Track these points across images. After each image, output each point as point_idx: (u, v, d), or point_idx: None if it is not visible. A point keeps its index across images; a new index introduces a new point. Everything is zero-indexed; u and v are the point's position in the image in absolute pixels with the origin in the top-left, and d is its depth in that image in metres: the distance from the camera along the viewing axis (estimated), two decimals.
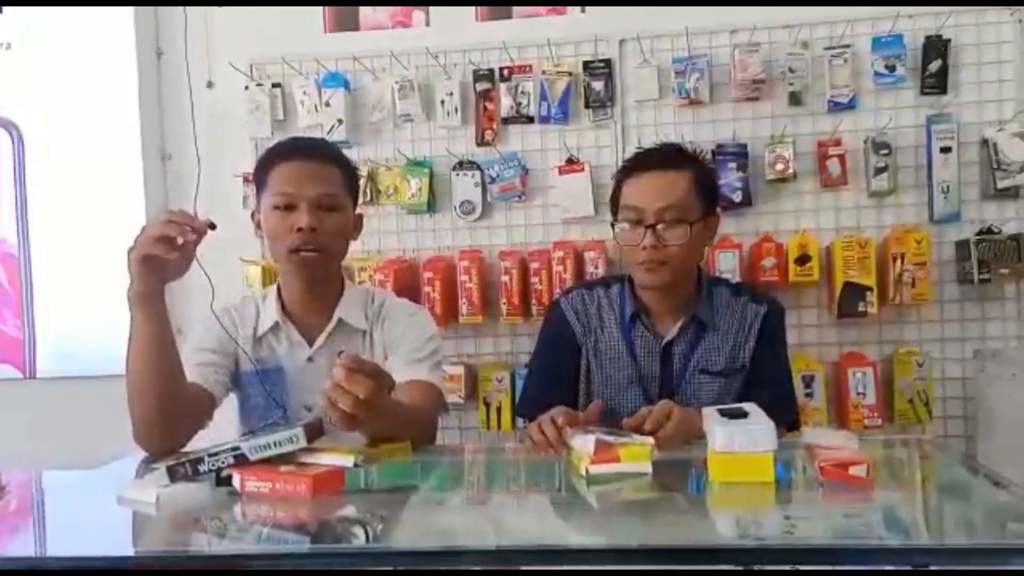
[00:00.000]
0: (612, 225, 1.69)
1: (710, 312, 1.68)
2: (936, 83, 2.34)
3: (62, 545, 1.07)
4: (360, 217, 1.67)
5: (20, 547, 1.11)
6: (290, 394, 1.58)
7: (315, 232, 1.50)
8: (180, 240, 1.29)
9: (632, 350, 1.68)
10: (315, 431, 1.19)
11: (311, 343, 1.59)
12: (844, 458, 1.08)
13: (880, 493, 1.09)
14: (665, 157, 1.65)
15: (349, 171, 1.62)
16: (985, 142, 2.32)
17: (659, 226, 1.57)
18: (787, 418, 1.63)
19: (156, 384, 1.39)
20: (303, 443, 1.16)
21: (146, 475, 1.18)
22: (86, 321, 2.62)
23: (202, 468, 1.14)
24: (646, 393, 1.67)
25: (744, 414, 1.14)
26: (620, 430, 1.31)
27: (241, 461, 1.14)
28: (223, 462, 1.14)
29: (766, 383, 1.63)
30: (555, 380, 1.72)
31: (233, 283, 2.41)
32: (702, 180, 1.64)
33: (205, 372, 1.53)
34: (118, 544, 1.01)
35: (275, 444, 1.15)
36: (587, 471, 1.11)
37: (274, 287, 1.65)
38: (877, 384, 2.30)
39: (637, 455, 1.13)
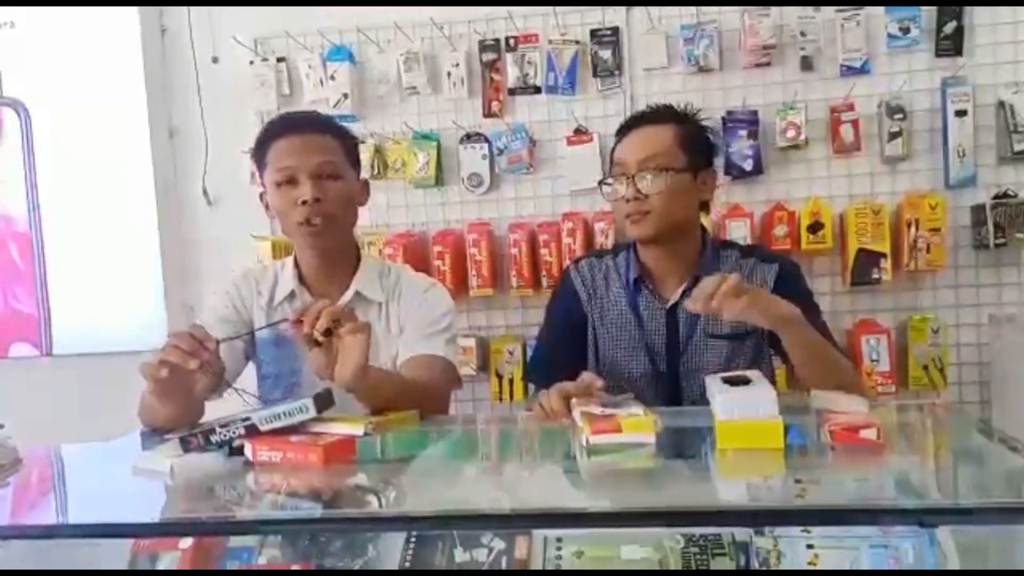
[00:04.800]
0: (599, 184, 1.70)
1: (715, 273, 1.64)
2: (951, 45, 2.30)
3: (79, 514, 1.08)
4: (366, 183, 1.67)
5: (40, 516, 1.12)
6: (304, 362, 1.58)
7: (320, 202, 1.50)
8: (193, 364, 1.23)
9: (637, 314, 1.68)
10: (325, 401, 1.20)
11: None
12: (854, 422, 1.08)
13: (891, 456, 1.08)
14: (651, 114, 1.67)
15: (346, 139, 1.61)
16: (1001, 104, 2.28)
17: (639, 176, 1.58)
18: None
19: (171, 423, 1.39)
20: (313, 413, 1.17)
21: (160, 445, 1.19)
22: (100, 298, 2.64)
23: (214, 439, 1.16)
24: (652, 357, 1.66)
25: (747, 381, 1.13)
26: (626, 400, 1.31)
27: (252, 432, 1.15)
28: (234, 433, 1.15)
29: None
30: (562, 347, 1.73)
31: (244, 259, 2.42)
32: (688, 134, 1.63)
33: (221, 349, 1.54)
34: (133, 512, 1.02)
35: (285, 415, 1.16)
36: (588, 441, 1.12)
37: (292, 257, 1.65)
38: (891, 351, 2.28)
39: (639, 426, 1.12)
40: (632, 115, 1.72)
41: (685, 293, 1.64)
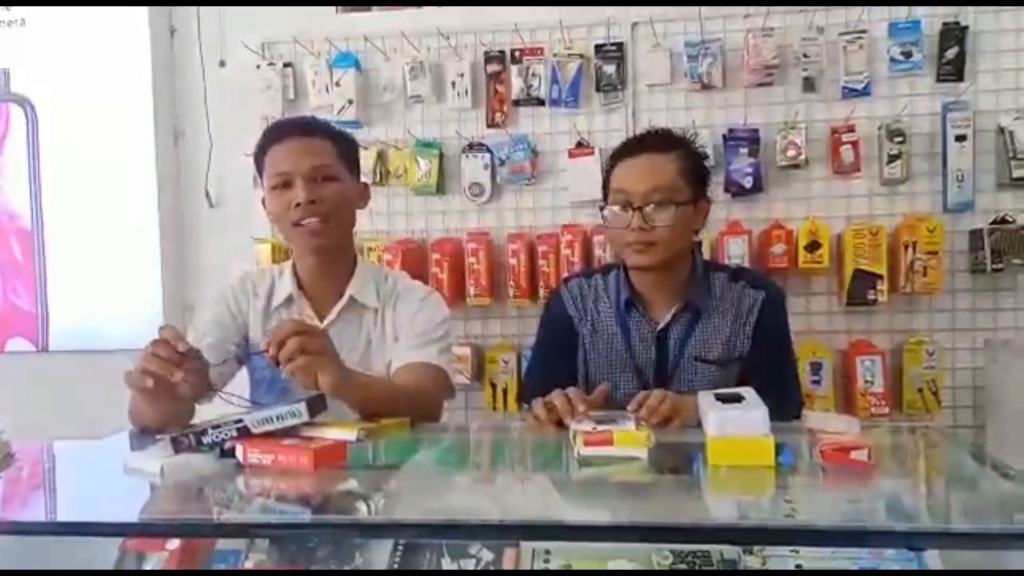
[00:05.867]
0: (601, 209, 1.69)
1: (705, 298, 1.67)
2: (953, 70, 2.31)
3: (67, 511, 1.09)
4: (366, 186, 1.69)
5: (27, 512, 1.12)
6: None
7: (313, 204, 1.52)
8: (178, 375, 1.23)
9: (627, 336, 1.68)
10: (318, 406, 1.20)
11: (322, 318, 1.61)
12: (845, 442, 1.08)
13: (882, 478, 1.09)
14: (653, 141, 1.66)
15: (343, 142, 1.62)
16: (1001, 130, 2.30)
17: (646, 208, 1.58)
18: (789, 412, 1.54)
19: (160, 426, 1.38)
20: (305, 417, 1.17)
21: (150, 446, 1.19)
22: (99, 296, 2.65)
23: (206, 440, 1.15)
24: (641, 379, 1.66)
25: (739, 398, 1.14)
26: (625, 412, 1.31)
27: (244, 434, 1.15)
28: (226, 434, 1.15)
29: (766, 376, 1.57)
30: (555, 367, 1.72)
31: (244, 262, 2.43)
32: (691, 164, 1.63)
33: (211, 355, 1.54)
34: (121, 512, 1.02)
35: (277, 418, 1.16)
36: (579, 453, 1.12)
37: (290, 262, 1.67)
38: (886, 373, 2.29)
39: (632, 440, 1.12)
40: (633, 139, 1.71)
41: (675, 316, 1.67)
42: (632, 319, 1.69)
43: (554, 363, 1.74)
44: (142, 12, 2.61)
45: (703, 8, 2.36)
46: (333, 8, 2.59)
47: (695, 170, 1.64)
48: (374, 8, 2.57)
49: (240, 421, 1.16)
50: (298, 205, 1.52)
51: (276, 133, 1.59)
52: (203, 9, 2.64)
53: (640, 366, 1.67)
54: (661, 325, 1.67)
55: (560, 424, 1.32)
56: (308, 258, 1.61)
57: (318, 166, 1.54)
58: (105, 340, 2.58)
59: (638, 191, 1.59)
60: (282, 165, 1.54)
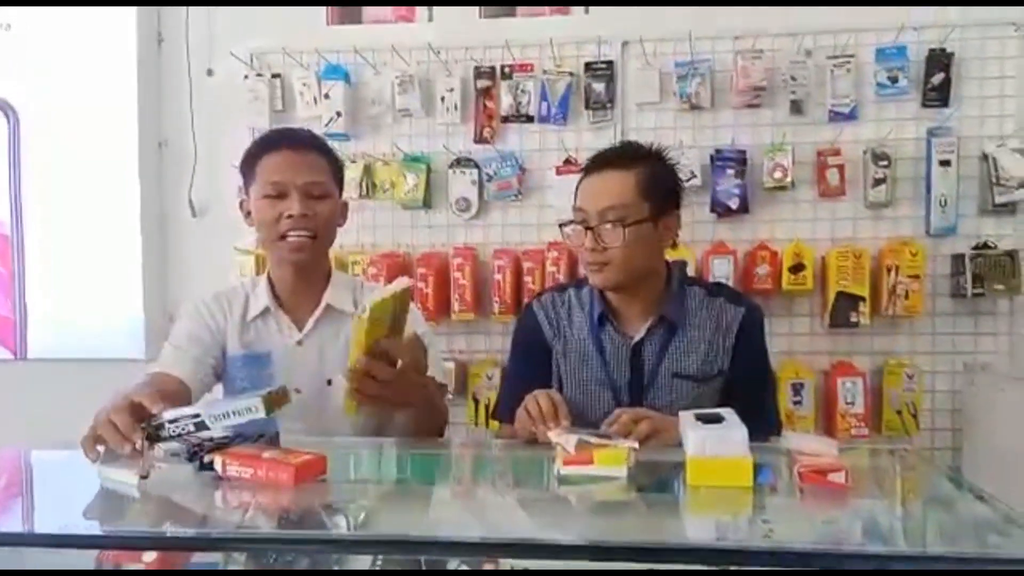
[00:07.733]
0: (561, 227, 1.67)
1: (680, 312, 1.63)
2: (938, 96, 2.34)
3: (42, 524, 1.07)
4: (345, 205, 1.69)
5: (4, 523, 1.11)
6: (277, 377, 1.59)
7: (306, 218, 1.53)
8: (126, 449, 1.16)
9: (601, 351, 1.65)
10: (277, 401, 1.17)
11: (300, 328, 1.62)
12: (823, 464, 1.08)
13: (858, 500, 1.09)
14: (614, 157, 1.61)
15: (335, 161, 1.65)
16: (985, 157, 2.32)
17: (598, 227, 1.54)
18: (767, 432, 1.54)
19: None
20: (262, 413, 1.14)
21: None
22: (77, 303, 2.62)
23: (163, 434, 1.14)
24: (616, 395, 1.64)
25: (719, 419, 1.14)
26: (604, 431, 1.32)
27: (201, 428, 1.14)
28: (183, 429, 1.14)
29: (746, 395, 1.57)
30: (529, 383, 1.65)
31: (227, 272, 2.42)
32: (654, 178, 1.57)
33: (189, 368, 1.55)
34: (98, 524, 1.01)
35: (234, 413, 1.14)
36: (558, 471, 1.12)
37: (264, 275, 1.67)
38: (866, 394, 2.30)
39: (611, 459, 1.12)
40: (598, 154, 1.65)
41: (650, 331, 1.64)
42: (606, 333, 1.66)
43: (528, 379, 1.68)
44: (130, 19, 2.60)
45: (693, 29, 2.38)
46: (323, 20, 2.59)
47: (659, 184, 1.58)
48: (365, 21, 2.58)
49: (197, 416, 1.14)
50: (290, 217, 1.52)
51: (272, 141, 1.59)
52: (192, 17, 2.63)
53: (615, 381, 1.64)
54: (636, 339, 1.64)
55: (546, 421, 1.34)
56: (287, 270, 1.61)
57: (314, 182, 1.55)
58: (85, 349, 2.55)
59: (592, 211, 1.56)
60: (277, 175, 1.54)
